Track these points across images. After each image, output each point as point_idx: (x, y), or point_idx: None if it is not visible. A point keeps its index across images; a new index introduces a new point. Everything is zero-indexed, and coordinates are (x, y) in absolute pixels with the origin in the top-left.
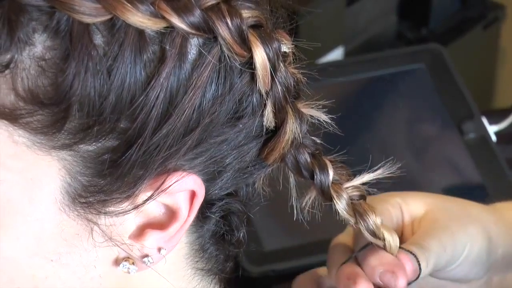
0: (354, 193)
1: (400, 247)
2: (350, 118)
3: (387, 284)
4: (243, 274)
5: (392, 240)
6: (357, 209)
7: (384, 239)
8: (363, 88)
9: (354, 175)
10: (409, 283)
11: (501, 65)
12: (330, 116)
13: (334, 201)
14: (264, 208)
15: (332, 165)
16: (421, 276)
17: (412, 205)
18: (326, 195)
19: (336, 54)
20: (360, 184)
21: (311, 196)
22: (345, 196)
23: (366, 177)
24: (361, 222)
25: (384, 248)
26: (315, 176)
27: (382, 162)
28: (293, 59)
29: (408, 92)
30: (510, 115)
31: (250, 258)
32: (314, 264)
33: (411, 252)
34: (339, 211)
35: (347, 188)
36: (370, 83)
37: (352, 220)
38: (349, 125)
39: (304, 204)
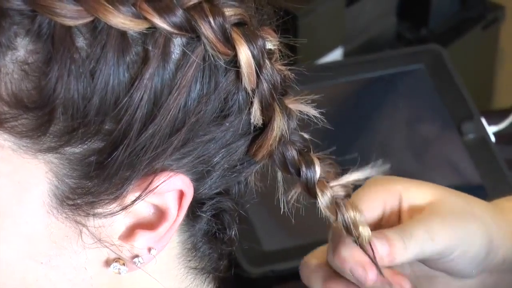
0: (339, 192)
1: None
2: (349, 119)
3: (358, 279)
4: (242, 275)
5: (366, 234)
6: (338, 203)
7: (358, 235)
8: (363, 88)
9: (342, 173)
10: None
11: (500, 65)
12: (320, 110)
13: (318, 198)
14: (263, 208)
15: (320, 162)
16: (398, 260)
17: (414, 194)
18: (311, 191)
19: (336, 55)
20: (347, 183)
21: (297, 191)
22: (328, 194)
23: (354, 176)
24: (340, 216)
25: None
26: (301, 173)
27: (372, 162)
28: (280, 56)
29: (408, 93)
30: (510, 116)
31: (249, 259)
32: None
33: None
34: (321, 208)
35: (332, 186)
36: (369, 83)
37: (332, 218)
38: (349, 125)
39: (289, 198)
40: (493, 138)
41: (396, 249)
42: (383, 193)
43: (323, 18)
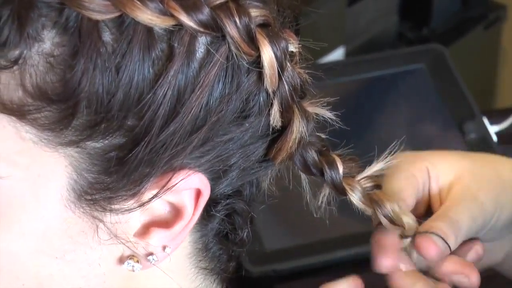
0: (368, 184)
1: (424, 229)
2: (351, 118)
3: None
4: (244, 274)
5: (411, 221)
6: (373, 198)
7: (403, 225)
8: (364, 88)
9: (363, 167)
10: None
11: (502, 65)
12: (335, 113)
13: (349, 194)
14: (266, 207)
15: (340, 159)
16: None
17: (440, 169)
18: (339, 189)
19: (337, 54)
20: (372, 173)
21: (325, 193)
22: (358, 187)
23: (377, 166)
24: (379, 210)
25: (403, 232)
26: (325, 173)
27: (387, 151)
28: (299, 59)
29: (409, 92)
30: (511, 115)
31: (251, 258)
32: (315, 264)
33: (435, 233)
34: (355, 203)
35: (359, 180)
36: (371, 83)
37: (369, 210)
38: (350, 125)
39: (320, 202)
40: (495, 138)
41: (450, 243)
42: (414, 179)
43: (325, 18)
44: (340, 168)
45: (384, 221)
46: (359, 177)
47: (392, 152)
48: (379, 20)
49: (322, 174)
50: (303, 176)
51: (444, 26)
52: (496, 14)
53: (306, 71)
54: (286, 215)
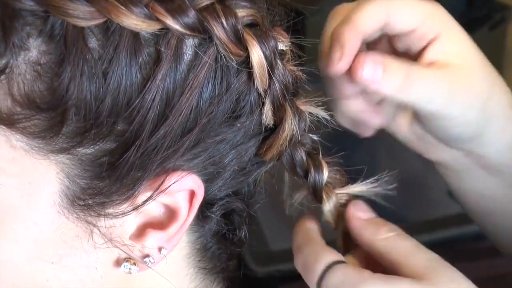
0: (342, 200)
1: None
2: None
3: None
4: (248, 274)
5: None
6: (341, 215)
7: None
8: None
9: (348, 182)
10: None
11: (507, 65)
12: (330, 113)
13: (323, 202)
14: (270, 208)
15: (327, 166)
16: (385, 93)
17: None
18: (317, 194)
19: None
20: (351, 192)
21: (302, 195)
22: (334, 199)
23: (358, 187)
24: (340, 227)
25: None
26: (309, 175)
27: (377, 176)
28: (291, 57)
29: None
30: None
31: (255, 258)
32: None
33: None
34: (325, 213)
35: (338, 193)
36: None
37: (332, 224)
38: None
39: (294, 200)
40: None
41: (390, 81)
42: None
43: None
44: (325, 174)
45: (339, 239)
46: (339, 190)
47: (379, 179)
48: None
49: (306, 175)
50: (286, 175)
51: None
52: (501, 14)
53: (307, 70)
54: (291, 215)
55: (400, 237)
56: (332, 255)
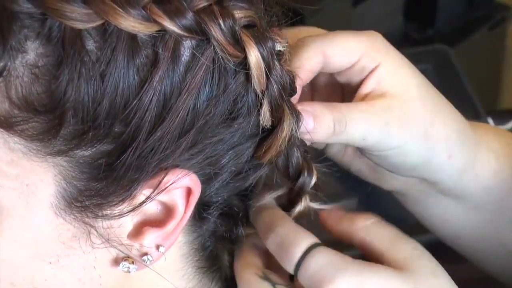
0: (310, 209)
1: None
2: None
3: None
4: None
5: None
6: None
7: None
8: None
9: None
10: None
11: (507, 65)
12: None
13: (296, 206)
14: None
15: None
16: (319, 139)
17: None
18: (297, 196)
19: None
20: (313, 209)
21: (278, 193)
22: (304, 206)
23: (322, 206)
24: None
25: None
26: (301, 177)
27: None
28: (289, 57)
29: None
30: None
31: None
32: None
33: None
34: (292, 214)
35: (308, 204)
36: None
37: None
38: None
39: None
40: None
41: (322, 130)
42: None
43: (330, 18)
44: (313, 180)
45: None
46: (311, 203)
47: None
48: (384, 21)
49: (297, 178)
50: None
51: (449, 27)
52: (501, 14)
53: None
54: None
55: (377, 224)
56: (311, 237)
